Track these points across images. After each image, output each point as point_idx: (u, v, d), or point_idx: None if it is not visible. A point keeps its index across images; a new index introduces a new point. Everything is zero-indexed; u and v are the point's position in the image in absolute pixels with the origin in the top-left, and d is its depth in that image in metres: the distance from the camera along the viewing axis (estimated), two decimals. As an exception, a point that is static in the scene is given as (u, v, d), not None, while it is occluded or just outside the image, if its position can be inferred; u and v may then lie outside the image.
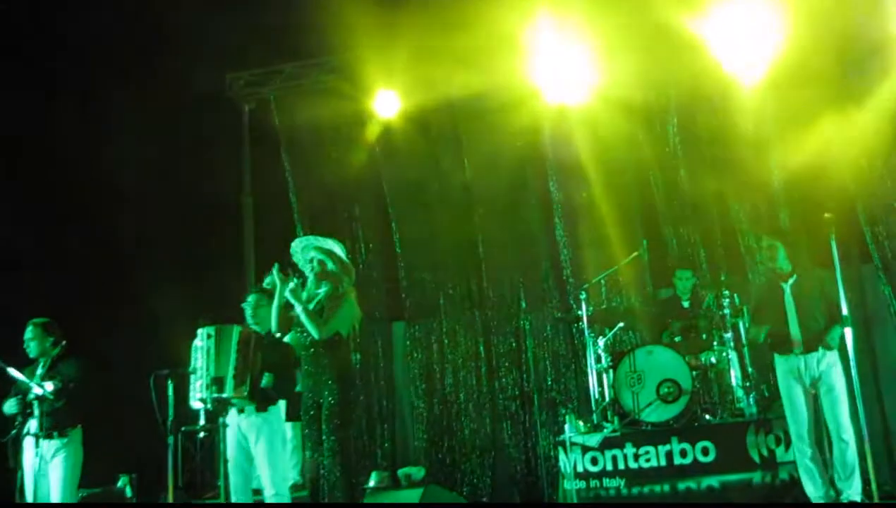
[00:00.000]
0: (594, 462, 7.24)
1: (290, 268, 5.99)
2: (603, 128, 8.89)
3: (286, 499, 6.10)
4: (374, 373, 9.70)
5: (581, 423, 7.63)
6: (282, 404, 6.39)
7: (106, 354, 7.57)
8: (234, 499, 5.93)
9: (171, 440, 5.79)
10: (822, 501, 6.23)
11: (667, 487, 7.01)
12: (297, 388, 6.46)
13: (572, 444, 7.29)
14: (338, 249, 6.08)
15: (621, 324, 8.23)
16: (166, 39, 8.72)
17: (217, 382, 5.84)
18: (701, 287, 8.35)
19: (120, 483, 7.69)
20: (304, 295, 5.92)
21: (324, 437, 5.75)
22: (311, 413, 5.88)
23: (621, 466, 7.16)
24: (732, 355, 7.51)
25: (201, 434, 6.09)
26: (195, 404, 5.97)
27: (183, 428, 5.92)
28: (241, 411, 6.02)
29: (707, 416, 7.37)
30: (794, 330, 6.34)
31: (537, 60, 8.89)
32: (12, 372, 6.43)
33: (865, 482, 6.20)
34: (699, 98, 8.80)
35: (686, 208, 8.97)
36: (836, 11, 7.87)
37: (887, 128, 7.97)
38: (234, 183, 9.91)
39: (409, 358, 9.72)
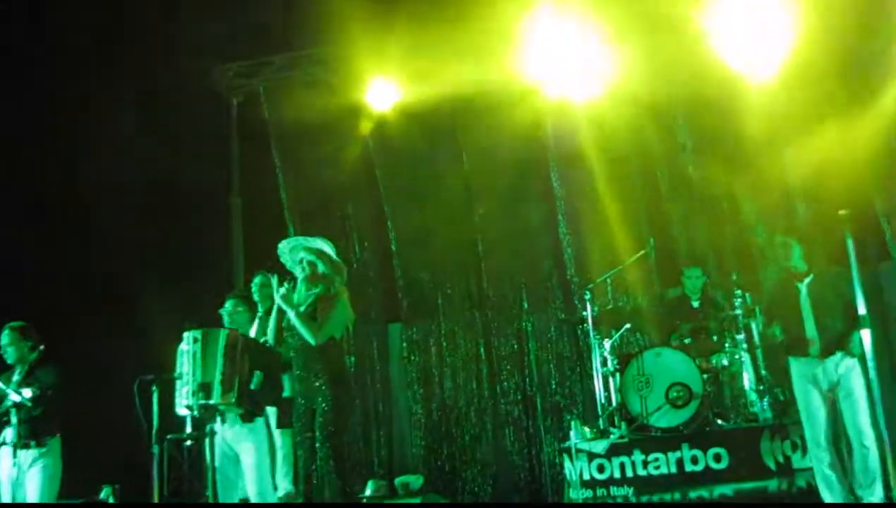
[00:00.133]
0: (601, 469, 7.23)
1: (286, 278, 5.95)
2: (608, 122, 8.88)
3: None
4: (369, 377, 9.70)
5: (587, 429, 7.62)
6: (270, 412, 6.37)
7: (88, 359, 7.53)
8: (220, 511, 5.91)
9: (156, 449, 5.72)
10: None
11: (677, 496, 6.98)
12: (286, 394, 6.40)
13: (578, 451, 7.28)
14: (328, 249, 6.05)
15: (628, 326, 8.22)
16: (149, 29, 8.68)
17: (204, 388, 5.80)
18: (711, 286, 8.33)
19: (103, 494, 7.63)
20: (296, 298, 5.89)
21: (317, 445, 5.73)
22: (304, 419, 5.86)
23: (629, 474, 7.15)
24: (745, 357, 7.49)
25: (188, 443, 6.04)
26: (181, 411, 5.92)
27: (168, 436, 5.85)
28: (223, 421, 6.01)
29: (719, 421, 7.35)
30: (811, 332, 6.30)
31: (539, 53, 8.87)
32: (-13, 379, 6.38)
33: (886, 488, 6.13)
34: (708, 93, 8.76)
35: (695, 204, 8.98)
36: (849, 6, 7.87)
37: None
38: (221, 180, 9.86)
39: (407, 362, 9.72)
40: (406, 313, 9.80)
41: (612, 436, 7.38)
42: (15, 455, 6.41)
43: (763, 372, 7.40)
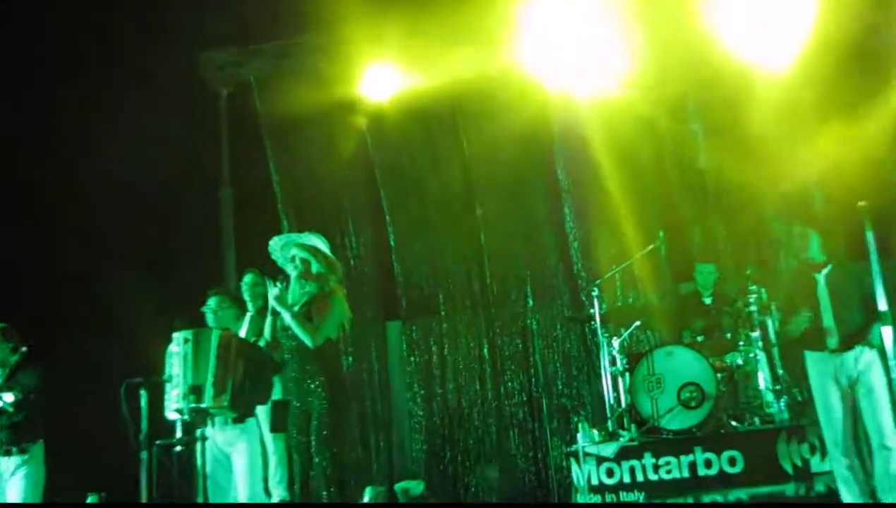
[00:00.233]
0: (610, 473, 7.22)
1: (279, 278, 5.94)
2: (616, 112, 8.86)
3: None
4: (367, 378, 9.66)
5: (595, 432, 7.60)
6: (260, 412, 6.37)
7: (71, 361, 7.52)
8: (212, 521, 5.92)
9: (144, 455, 5.70)
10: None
11: (690, 500, 6.98)
12: (277, 396, 6.39)
13: (586, 455, 7.28)
14: (322, 245, 6.06)
15: (638, 323, 8.21)
16: (132, 16, 8.62)
17: (195, 391, 5.79)
18: (724, 281, 8.33)
19: (89, 502, 7.62)
20: (290, 297, 5.90)
21: (313, 449, 5.73)
22: (299, 423, 5.85)
23: (640, 478, 7.14)
24: (761, 355, 7.48)
25: (178, 448, 6.04)
26: (171, 415, 5.92)
27: (157, 442, 5.86)
28: (213, 424, 6.01)
29: (733, 423, 7.35)
30: (829, 325, 6.25)
31: (544, 42, 8.85)
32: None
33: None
34: (721, 83, 8.77)
35: (708, 196, 8.98)
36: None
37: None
38: (211, 174, 9.79)
39: (406, 362, 9.69)
40: (405, 311, 9.77)
41: (621, 439, 7.36)
42: (-4, 463, 6.42)
43: (780, 371, 7.40)
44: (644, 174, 9.13)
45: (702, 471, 7.01)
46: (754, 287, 7.46)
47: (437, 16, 8.36)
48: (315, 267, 5.96)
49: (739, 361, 7.58)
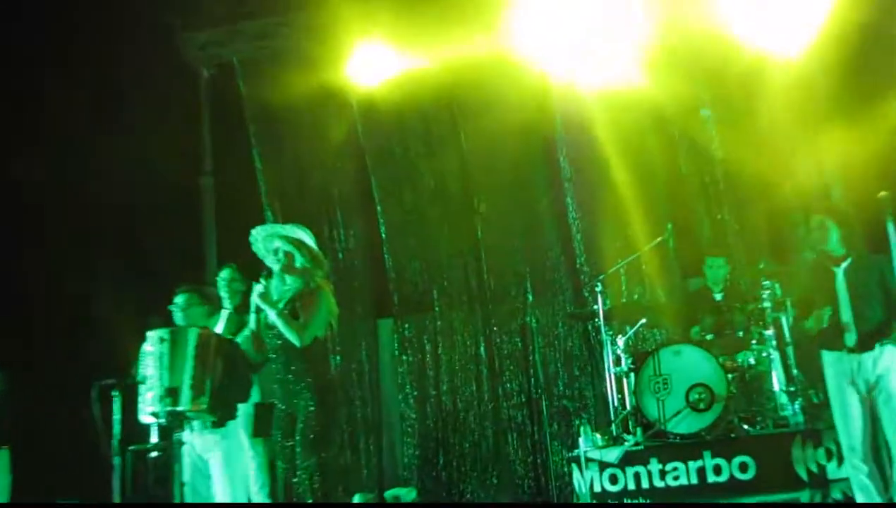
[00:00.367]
0: (613, 480, 7.21)
1: (262, 274, 5.93)
2: (622, 97, 8.83)
3: None
4: (356, 379, 9.67)
5: (598, 436, 7.62)
6: (242, 415, 6.33)
7: (40, 363, 7.50)
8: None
9: (117, 461, 5.72)
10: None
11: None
12: (256, 398, 6.37)
13: (588, 460, 7.27)
14: (308, 239, 6.04)
15: (644, 321, 8.16)
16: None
17: (171, 393, 5.79)
18: (736, 276, 8.33)
19: (59, 511, 7.63)
20: (274, 294, 5.89)
21: (298, 454, 5.74)
22: (284, 426, 5.86)
23: (645, 485, 7.14)
24: (774, 355, 7.47)
25: (153, 454, 6.03)
26: (146, 419, 5.91)
27: (131, 448, 5.88)
28: (192, 429, 6.02)
29: (745, 426, 7.32)
30: (848, 322, 6.25)
31: (546, 21, 8.84)
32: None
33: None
34: (735, 68, 8.76)
35: (719, 186, 8.98)
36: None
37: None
38: (190, 161, 9.80)
39: (398, 361, 9.71)
40: (397, 307, 9.77)
41: (626, 444, 7.35)
42: (-40, 470, 6.43)
43: (794, 371, 7.38)
44: (651, 163, 9.11)
45: (711, 478, 7.00)
46: (768, 282, 7.45)
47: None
48: (299, 261, 5.96)
49: (752, 361, 7.57)
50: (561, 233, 9.41)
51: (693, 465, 7.05)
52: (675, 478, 7.07)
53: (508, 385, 9.32)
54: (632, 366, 7.68)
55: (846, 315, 6.24)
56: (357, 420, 9.54)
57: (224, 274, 6.89)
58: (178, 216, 9.39)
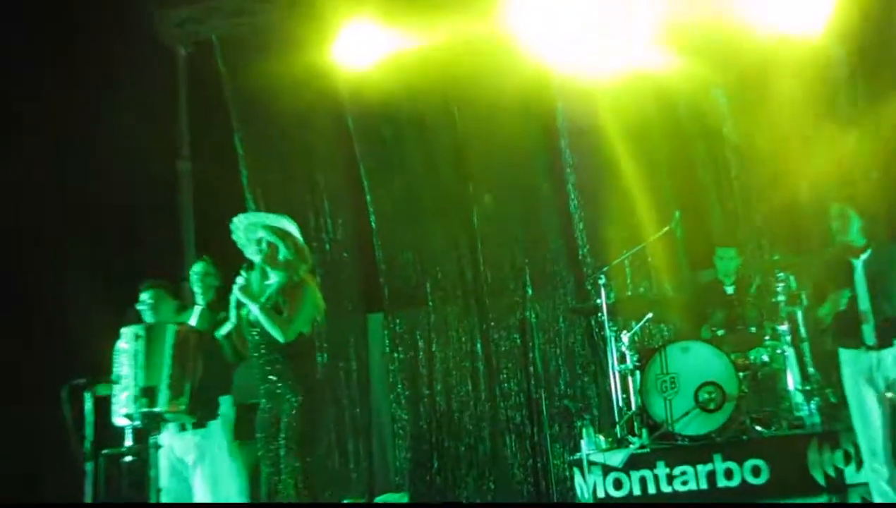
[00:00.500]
0: (618, 485, 7.23)
1: (244, 267, 5.92)
2: (627, 77, 8.79)
3: None
4: (344, 378, 9.67)
5: (601, 438, 7.62)
6: (222, 414, 6.41)
7: (5, 362, 7.44)
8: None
9: (89, 466, 5.71)
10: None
11: (704, 509, 7.04)
12: (237, 399, 6.39)
13: (591, 464, 7.28)
14: (293, 230, 6.02)
15: (650, 315, 8.21)
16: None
17: (147, 393, 5.79)
18: (748, 268, 8.33)
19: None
20: (255, 288, 5.88)
21: (282, 458, 5.72)
22: (268, 429, 5.85)
23: (652, 490, 7.16)
24: (789, 352, 7.51)
25: (128, 458, 6.04)
26: (120, 421, 5.91)
27: (104, 451, 5.89)
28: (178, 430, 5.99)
29: (758, 428, 7.34)
30: (867, 316, 6.23)
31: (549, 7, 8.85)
32: None
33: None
34: (749, 44, 8.72)
35: (731, 171, 8.98)
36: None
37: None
38: (167, 145, 9.76)
39: (389, 359, 9.71)
40: (388, 301, 9.78)
41: (631, 446, 7.36)
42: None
43: (810, 369, 7.44)
44: (659, 148, 9.13)
45: (722, 482, 7.02)
46: (782, 274, 7.51)
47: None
48: (283, 254, 5.94)
49: (765, 358, 7.58)
50: (562, 223, 9.41)
51: (703, 469, 7.07)
52: (684, 483, 7.08)
53: (506, 384, 9.34)
54: (637, 364, 7.69)
55: (865, 310, 6.22)
56: (345, 421, 9.53)
57: (197, 268, 6.84)
58: (154, 204, 9.32)
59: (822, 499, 6.79)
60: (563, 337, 9.30)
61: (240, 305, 5.88)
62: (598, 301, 8.02)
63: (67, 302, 7.76)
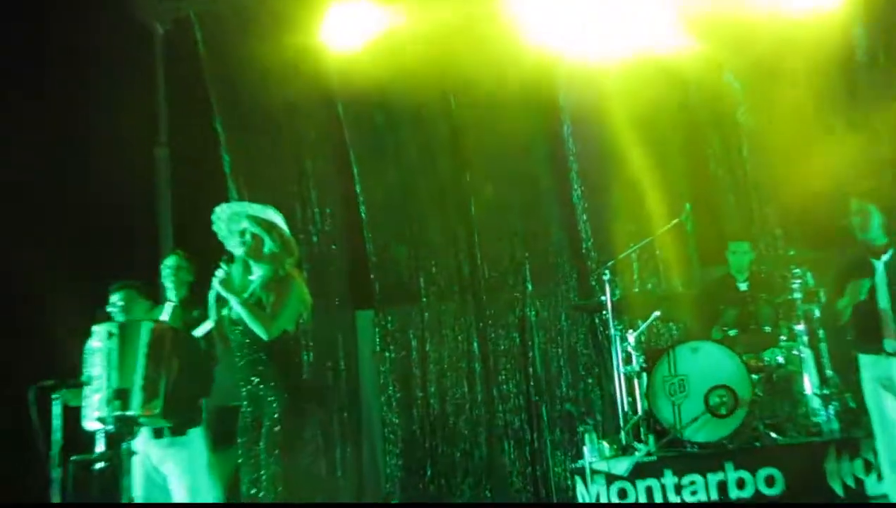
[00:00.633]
0: (623, 495, 7.21)
1: (224, 258, 5.93)
2: (634, 61, 8.84)
3: None
4: (332, 379, 9.65)
5: (605, 444, 7.60)
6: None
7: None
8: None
9: (57, 473, 5.70)
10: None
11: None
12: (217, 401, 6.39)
13: (594, 472, 7.25)
14: (279, 221, 6.03)
15: (658, 314, 8.14)
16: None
17: (121, 395, 5.84)
18: (763, 263, 8.37)
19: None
20: (237, 281, 5.88)
21: (263, 464, 5.73)
22: (250, 433, 5.86)
23: (659, 500, 7.12)
24: (806, 353, 7.49)
25: (99, 465, 6.04)
26: (91, 425, 5.95)
27: (74, 457, 5.89)
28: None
29: (772, 434, 7.35)
30: (888, 321, 6.23)
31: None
32: None
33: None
34: (764, 24, 8.75)
35: (745, 161, 8.99)
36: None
37: None
38: (143, 129, 9.71)
39: (380, 359, 9.69)
40: (379, 297, 9.76)
41: (637, 454, 7.35)
42: None
43: (828, 372, 7.41)
44: (668, 135, 9.15)
45: (734, 492, 7.01)
46: (799, 270, 7.48)
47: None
48: (268, 246, 5.95)
49: (780, 359, 7.60)
50: (565, 215, 9.42)
51: (713, 478, 7.06)
52: (693, 493, 7.07)
53: (504, 386, 9.33)
54: (644, 365, 7.68)
55: (885, 309, 6.23)
56: (332, 425, 9.52)
57: (170, 262, 6.80)
58: (129, 193, 9.25)
59: (840, 510, 6.81)
60: (564, 337, 9.31)
61: (220, 303, 5.87)
62: (603, 298, 7.97)
63: (36, 299, 7.75)
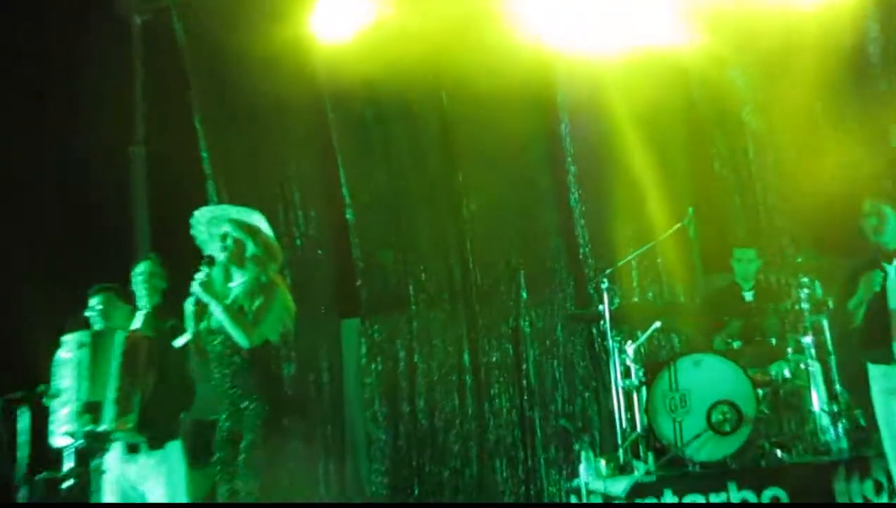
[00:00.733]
0: (620, 515, 7.23)
1: (204, 262, 5.89)
2: (635, 59, 8.85)
3: None
4: (315, 392, 9.69)
5: (602, 462, 7.56)
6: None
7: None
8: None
9: (24, 490, 5.81)
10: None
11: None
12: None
13: (590, 492, 7.27)
14: (263, 225, 6.01)
15: (658, 324, 8.11)
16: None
17: (92, 409, 5.82)
18: (769, 271, 8.38)
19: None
20: (218, 288, 5.85)
21: (240, 477, 5.68)
22: (227, 449, 5.80)
23: (658, 521, 7.19)
24: (814, 367, 7.49)
25: (67, 483, 6.02)
26: (60, 440, 5.93)
27: (41, 475, 5.86)
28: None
29: (778, 453, 7.31)
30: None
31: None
32: None
33: None
34: (771, 17, 8.78)
35: (750, 164, 9.00)
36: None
37: None
38: (120, 126, 9.73)
39: (366, 371, 9.71)
40: (366, 305, 9.80)
41: (635, 473, 7.33)
42: None
43: (837, 387, 7.42)
44: (670, 134, 9.18)
45: (737, 514, 7.05)
46: (807, 279, 7.47)
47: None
48: (250, 251, 5.92)
49: (787, 373, 7.58)
50: (561, 219, 9.44)
51: (716, 499, 7.01)
52: (695, 514, 7.09)
53: (497, 400, 9.35)
54: (643, 379, 7.64)
55: (895, 309, 6.21)
56: (315, 441, 9.51)
57: (142, 268, 6.75)
58: (103, 193, 9.30)
59: (850, 533, 6.81)
60: (560, 348, 9.32)
61: (199, 314, 5.82)
62: (601, 307, 7.94)
63: (5, 305, 7.74)
